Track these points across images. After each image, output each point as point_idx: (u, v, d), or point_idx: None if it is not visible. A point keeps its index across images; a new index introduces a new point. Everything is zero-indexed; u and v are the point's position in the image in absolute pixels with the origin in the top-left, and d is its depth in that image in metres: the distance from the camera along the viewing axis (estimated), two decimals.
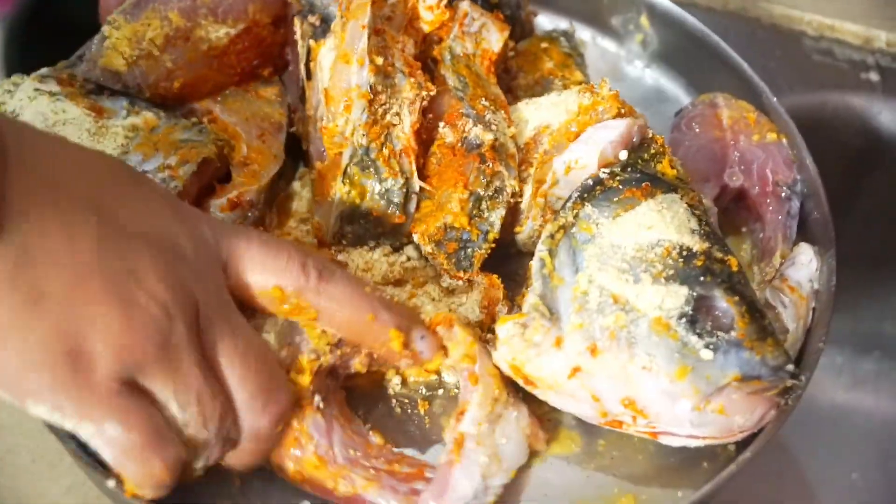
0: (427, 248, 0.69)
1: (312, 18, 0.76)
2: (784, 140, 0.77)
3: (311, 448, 0.60)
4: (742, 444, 0.63)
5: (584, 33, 0.90)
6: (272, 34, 0.78)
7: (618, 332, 0.59)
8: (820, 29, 0.96)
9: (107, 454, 0.53)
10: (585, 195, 0.65)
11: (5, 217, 0.47)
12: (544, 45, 0.85)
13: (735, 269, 0.62)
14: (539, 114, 0.73)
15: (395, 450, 0.64)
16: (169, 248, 0.53)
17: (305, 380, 0.60)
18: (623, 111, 0.70)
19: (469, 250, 0.69)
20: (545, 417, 0.67)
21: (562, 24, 0.90)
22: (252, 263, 0.58)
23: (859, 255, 0.72)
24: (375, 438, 0.64)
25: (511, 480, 0.64)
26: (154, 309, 0.51)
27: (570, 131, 0.70)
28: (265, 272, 0.58)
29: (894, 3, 0.98)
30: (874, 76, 0.95)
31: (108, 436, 0.51)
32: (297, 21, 0.77)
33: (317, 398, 0.61)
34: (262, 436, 0.57)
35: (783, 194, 0.75)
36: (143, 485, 0.54)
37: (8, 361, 0.48)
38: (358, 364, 0.64)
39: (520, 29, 0.86)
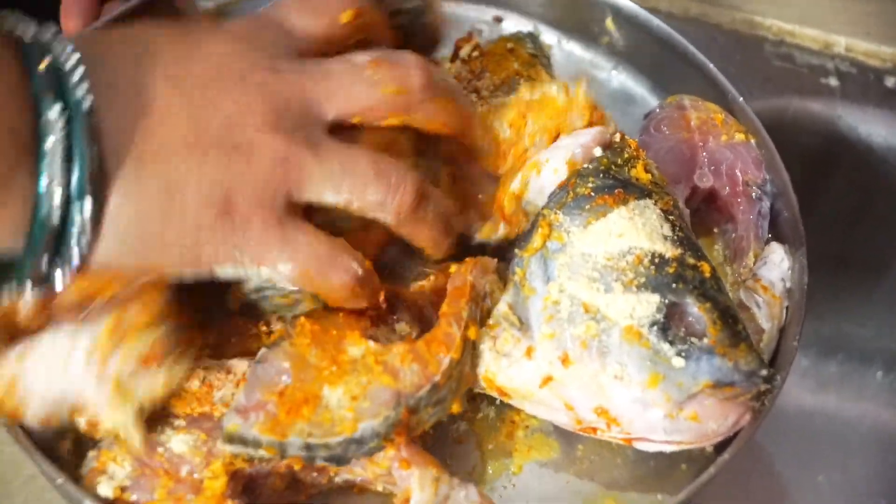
0: None
1: None
2: (752, 140, 0.77)
3: None
4: (720, 445, 0.63)
5: (549, 36, 0.90)
6: None
7: (589, 342, 0.59)
8: (780, 34, 0.97)
9: (292, 285, 0.57)
10: (556, 204, 0.65)
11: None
12: (510, 45, 0.84)
13: (708, 274, 0.62)
14: (511, 111, 0.72)
15: None
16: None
17: (220, 483, 0.58)
18: (593, 120, 0.69)
19: None
20: (524, 424, 0.68)
21: (526, 27, 0.90)
22: None
23: (821, 258, 0.72)
24: None
25: (490, 489, 0.64)
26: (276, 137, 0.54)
27: (549, 129, 0.70)
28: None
29: (853, 9, 0.99)
30: (833, 81, 0.96)
31: (285, 273, 0.55)
32: None
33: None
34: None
35: (753, 194, 0.75)
36: (339, 299, 0.59)
37: (179, 238, 0.52)
38: (277, 479, 0.60)
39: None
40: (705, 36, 0.85)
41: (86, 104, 0.47)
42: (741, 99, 0.79)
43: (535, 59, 0.83)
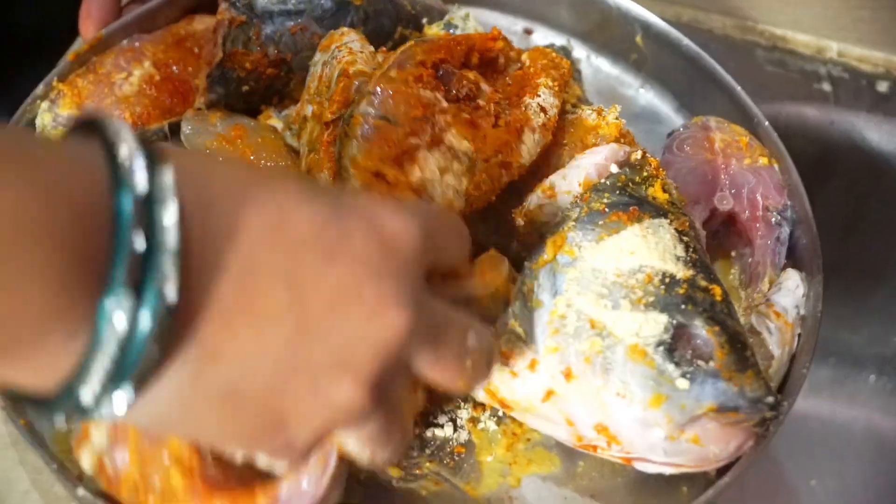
0: None
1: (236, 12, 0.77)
2: (775, 165, 0.77)
3: None
4: (722, 469, 0.62)
5: (579, 51, 0.90)
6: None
7: (593, 358, 0.59)
8: (772, 40, 0.97)
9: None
10: (570, 217, 0.65)
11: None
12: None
13: (719, 298, 0.61)
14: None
15: None
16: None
17: None
18: (622, 141, 0.69)
19: None
20: (525, 437, 0.67)
21: (558, 40, 0.90)
22: None
23: None
24: None
25: (487, 501, 0.64)
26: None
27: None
28: None
29: (845, 15, 0.99)
30: (826, 86, 0.96)
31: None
32: (222, 5, 0.78)
33: None
34: None
35: (773, 220, 0.74)
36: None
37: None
38: None
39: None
40: (697, 42, 0.84)
41: (168, 300, 0.37)
42: (767, 123, 0.78)
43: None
